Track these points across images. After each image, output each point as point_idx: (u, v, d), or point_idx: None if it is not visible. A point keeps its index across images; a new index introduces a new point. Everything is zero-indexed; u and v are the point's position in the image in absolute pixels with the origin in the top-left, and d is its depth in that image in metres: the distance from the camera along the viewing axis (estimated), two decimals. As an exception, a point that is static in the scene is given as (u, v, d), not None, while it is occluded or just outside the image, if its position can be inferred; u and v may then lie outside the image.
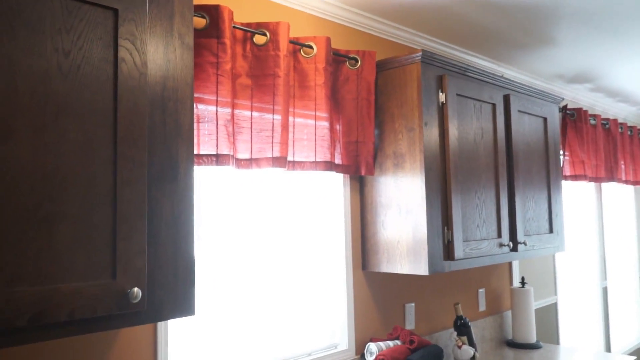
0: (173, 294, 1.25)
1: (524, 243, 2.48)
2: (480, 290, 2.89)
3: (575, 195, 3.98)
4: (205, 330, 1.73)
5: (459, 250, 2.12)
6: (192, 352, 1.69)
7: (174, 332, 1.65)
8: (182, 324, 1.67)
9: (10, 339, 1.01)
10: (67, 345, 1.39)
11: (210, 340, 1.74)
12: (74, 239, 1.08)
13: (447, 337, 2.61)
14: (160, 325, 1.57)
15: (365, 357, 2.07)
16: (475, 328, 2.82)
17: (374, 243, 2.19)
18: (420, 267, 2.04)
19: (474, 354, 2.44)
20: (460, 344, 2.45)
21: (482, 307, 2.89)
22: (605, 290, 4.21)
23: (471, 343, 2.50)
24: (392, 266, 2.12)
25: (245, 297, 1.86)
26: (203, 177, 1.78)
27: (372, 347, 2.05)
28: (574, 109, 3.50)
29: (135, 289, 1.14)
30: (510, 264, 3.17)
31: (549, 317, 3.48)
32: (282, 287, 1.98)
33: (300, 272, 2.04)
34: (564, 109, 3.43)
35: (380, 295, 2.30)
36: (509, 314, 3.08)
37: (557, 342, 3.57)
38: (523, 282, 2.99)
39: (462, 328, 2.49)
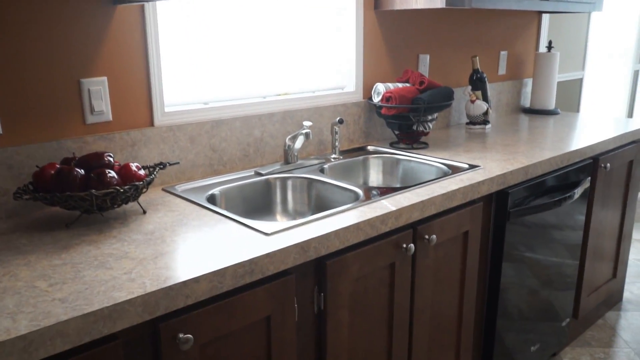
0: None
1: (557, -9, 2.24)
2: (503, 52, 2.72)
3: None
4: (199, 53, 1.64)
5: (482, -15, 1.91)
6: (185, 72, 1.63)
7: (165, 40, 1.57)
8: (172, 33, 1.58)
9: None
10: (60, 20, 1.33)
11: (205, 65, 1.67)
12: None
13: (461, 94, 2.53)
14: (149, 15, 1.47)
15: (373, 97, 2.01)
16: (492, 91, 2.71)
17: (389, -23, 1.98)
18: (436, 0, 1.85)
19: (487, 109, 2.37)
20: (473, 98, 2.37)
21: (502, 70, 2.75)
22: (636, 74, 4.01)
23: (485, 98, 2.42)
24: (406, 2, 1.94)
25: (245, 26, 1.73)
26: None
27: (380, 87, 1.98)
28: None
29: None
30: (538, 28, 2.94)
31: (571, 91, 3.35)
32: (286, 23, 1.84)
33: (304, 7, 1.88)
34: None
35: (392, 41, 2.15)
36: (529, 82, 2.94)
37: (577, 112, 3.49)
38: (550, 47, 2.80)
39: (477, 82, 2.39)
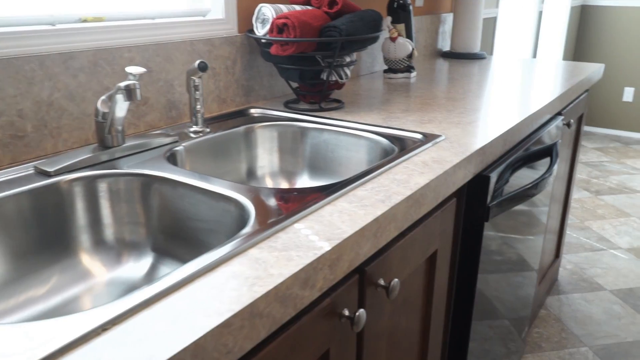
0: None
1: None
2: (420, -25, 2.06)
3: None
4: None
5: None
6: None
7: None
8: None
9: None
10: None
11: None
12: None
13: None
14: None
15: (255, 28, 1.24)
16: (408, 28, 2.05)
17: None
18: None
19: (413, 50, 1.70)
20: (395, 34, 1.68)
21: (420, 1, 2.09)
22: (540, 14, 3.61)
23: (409, 36, 1.74)
24: None
25: None
26: None
27: (266, 10, 1.20)
28: None
29: None
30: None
31: (485, 31, 2.82)
32: None
33: None
34: None
35: (279, -57, 1.38)
36: (447, 18, 2.33)
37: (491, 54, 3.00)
38: (474, -29, 2.19)
39: (400, 12, 1.70)
